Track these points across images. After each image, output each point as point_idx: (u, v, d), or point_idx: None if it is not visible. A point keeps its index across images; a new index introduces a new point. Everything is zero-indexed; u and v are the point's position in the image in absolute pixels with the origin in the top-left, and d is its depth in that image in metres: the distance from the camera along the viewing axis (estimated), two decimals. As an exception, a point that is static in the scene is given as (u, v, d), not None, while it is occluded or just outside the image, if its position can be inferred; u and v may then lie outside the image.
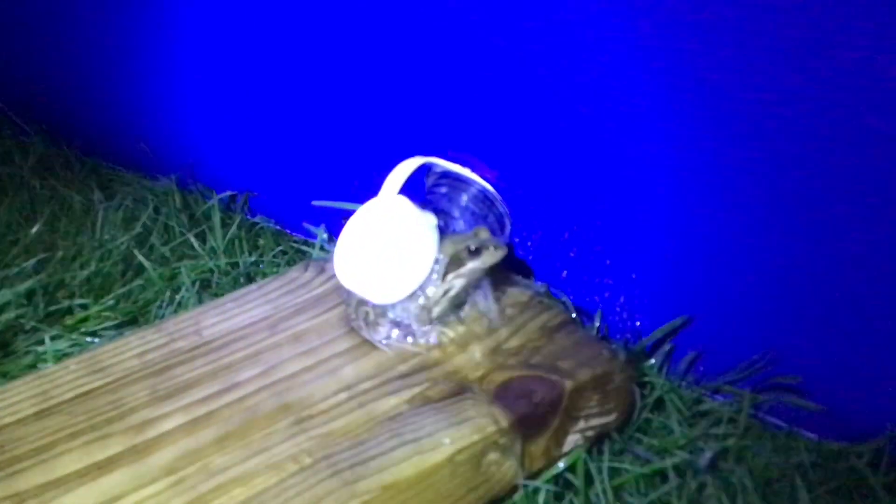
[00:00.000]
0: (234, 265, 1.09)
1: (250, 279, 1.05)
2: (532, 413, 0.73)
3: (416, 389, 0.75)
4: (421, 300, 0.79)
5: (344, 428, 0.72)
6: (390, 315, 0.80)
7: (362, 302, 0.81)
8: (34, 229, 1.14)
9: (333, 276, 0.83)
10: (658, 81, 0.76)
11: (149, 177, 1.27)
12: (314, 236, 1.08)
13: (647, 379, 0.85)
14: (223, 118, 1.14)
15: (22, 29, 1.28)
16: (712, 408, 0.84)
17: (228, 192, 1.17)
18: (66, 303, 1.01)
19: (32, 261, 1.06)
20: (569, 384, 0.75)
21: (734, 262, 0.80)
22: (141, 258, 1.07)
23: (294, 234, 1.15)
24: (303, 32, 0.97)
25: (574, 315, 0.87)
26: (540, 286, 0.89)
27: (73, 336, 0.96)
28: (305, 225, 1.11)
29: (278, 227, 1.16)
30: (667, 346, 0.85)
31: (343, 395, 0.75)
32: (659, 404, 0.84)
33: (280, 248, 1.13)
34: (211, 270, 1.08)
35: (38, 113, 1.37)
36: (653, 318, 0.87)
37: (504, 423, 0.72)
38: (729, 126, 0.73)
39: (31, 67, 1.32)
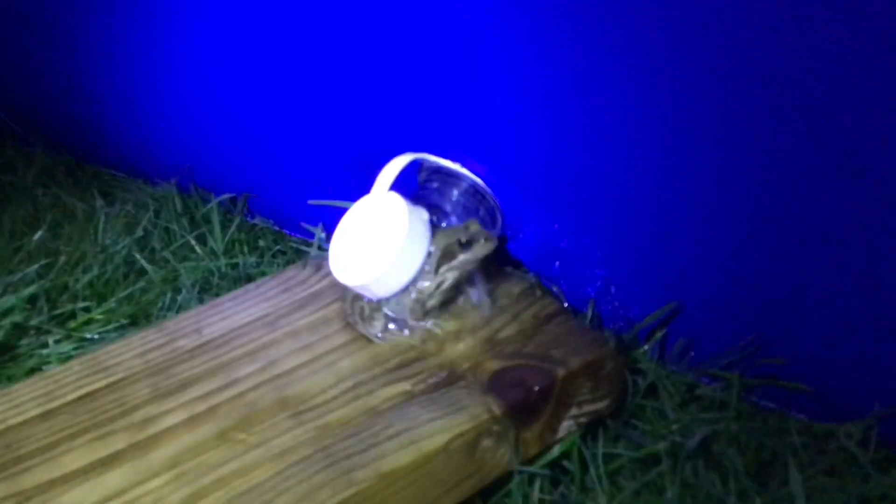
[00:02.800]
0: (234, 266, 1.10)
1: (250, 279, 1.05)
2: (525, 400, 0.74)
3: (412, 380, 0.76)
4: (414, 294, 0.80)
5: (341, 419, 0.73)
6: (385, 309, 0.81)
7: (357, 297, 0.82)
8: (37, 236, 1.15)
9: (330, 273, 0.82)
10: (640, 69, 0.76)
11: (149, 182, 1.27)
12: (312, 236, 1.09)
13: (640, 366, 0.85)
14: (220, 122, 1.14)
15: (22, 38, 1.29)
16: (704, 392, 0.84)
17: (227, 195, 1.17)
18: (69, 306, 1.02)
19: (35, 266, 1.07)
20: (561, 372, 0.75)
21: (722, 248, 0.80)
22: (142, 261, 1.09)
23: (293, 234, 1.16)
24: (295, 34, 0.98)
25: (566, 305, 0.87)
26: (532, 277, 0.90)
27: (77, 338, 0.98)
28: (303, 225, 1.11)
29: (277, 228, 1.17)
30: (659, 334, 0.85)
31: (340, 388, 0.76)
32: (652, 390, 0.84)
33: (279, 248, 1.14)
34: (211, 272, 1.08)
35: (39, 122, 1.37)
36: (644, 305, 0.87)
37: (498, 410, 0.72)
38: (713, 111, 0.74)
39: (32, 77, 1.33)
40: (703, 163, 0.77)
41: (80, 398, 0.77)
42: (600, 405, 0.79)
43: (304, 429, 0.72)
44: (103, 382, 0.79)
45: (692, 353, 0.86)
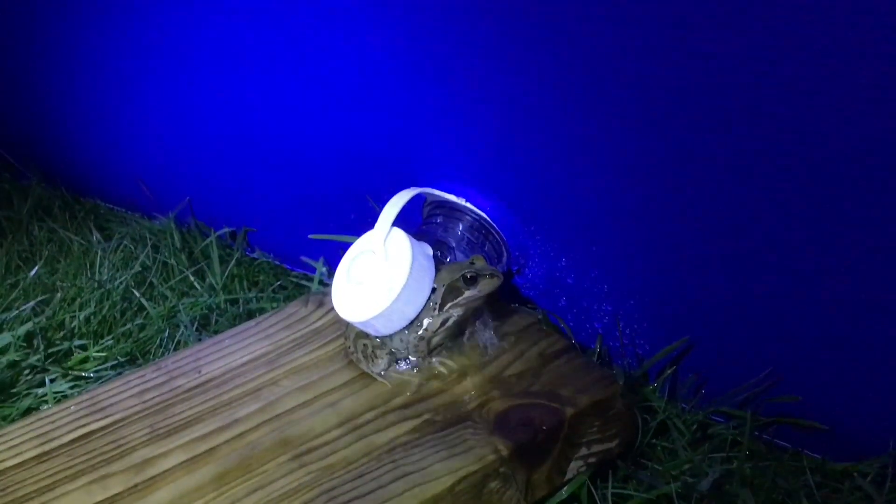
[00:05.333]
0: (234, 302, 1.09)
1: (250, 315, 1.05)
2: (533, 441, 0.73)
3: (416, 420, 0.75)
4: (419, 331, 0.79)
5: (343, 461, 0.71)
6: (389, 347, 0.80)
7: (361, 334, 0.81)
8: (33, 272, 1.14)
9: (332, 309, 0.82)
10: (653, 97, 0.75)
11: (147, 216, 1.27)
12: (314, 270, 1.08)
13: (649, 403, 0.84)
14: (220, 155, 1.13)
15: (17, 71, 1.29)
16: (717, 431, 0.83)
17: (227, 229, 1.17)
18: (65, 344, 1.01)
19: (32, 303, 1.06)
20: (569, 411, 0.74)
21: (733, 284, 0.79)
22: (140, 297, 1.08)
23: (293, 269, 1.15)
24: (295, 66, 0.97)
25: (573, 341, 0.86)
26: (538, 313, 0.88)
27: (73, 377, 0.97)
28: (304, 259, 1.10)
29: (277, 263, 1.16)
30: (669, 370, 0.85)
31: (342, 429, 0.75)
32: (663, 429, 0.84)
33: (280, 283, 1.13)
34: (210, 308, 1.07)
35: (35, 156, 1.37)
36: (653, 341, 0.86)
37: (505, 451, 0.71)
38: (728, 139, 0.72)
39: (27, 109, 1.32)
40: (714, 198, 0.76)
41: (76, 439, 0.76)
42: (610, 445, 0.78)
43: (306, 471, 0.71)
44: (100, 423, 0.78)
45: (703, 391, 0.85)
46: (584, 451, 0.76)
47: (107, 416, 0.78)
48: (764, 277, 0.76)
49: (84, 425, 0.78)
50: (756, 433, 0.82)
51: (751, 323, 0.80)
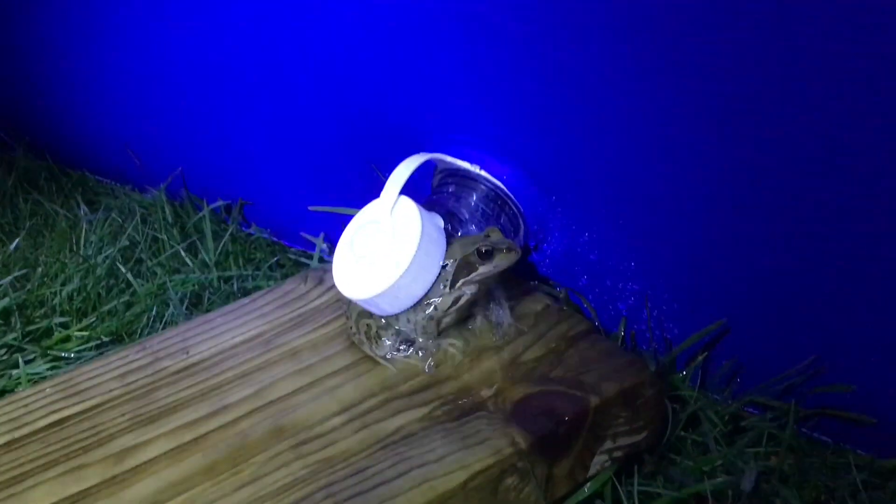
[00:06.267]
0: (228, 279, 1.05)
1: (245, 294, 1.00)
2: (553, 432, 0.68)
3: (424, 409, 0.71)
4: (428, 310, 0.75)
5: (344, 453, 0.67)
6: (394, 327, 0.76)
7: (363, 314, 0.77)
8: (13, 244, 1.10)
9: (333, 286, 0.78)
10: (689, 73, 0.69)
11: (137, 188, 1.25)
12: (313, 246, 1.04)
13: (679, 392, 0.80)
14: (213, 122, 1.10)
15: (4, 43, 1.26)
16: (752, 423, 0.79)
17: (221, 202, 1.14)
18: (45, 322, 0.97)
19: (9, 278, 1.02)
20: (594, 400, 0.70)
21: (776, 262, 0.73)
22: (126, 273, 1.03)
23: (292, 245, 1.12)
24: (290, 22, 0.93)
25: (596, 323, 0.83)
26: (558, 292, 0.85)
27: (52, 357, 0.92)
28: (303, 235, 1.07)
29: (275, 239, 1.13)
30: (701, 357, 0.80)
31: (343, 417, 0.70)
32: (693, 420, 0.79)
33: (277, 259, 1.09)
34: (202, 285, 1.04)
35: (20, 125, 1.35)
36: (684, 324, 0.81)
37: (523, 444, 0.67)
38: (776, 116, 0.67)
39: (12, 78, 1.30)
40: (759, 166, 0.70)
41: (51, 425, 0.73)
42: (637, 438, 0.73)
43: (303, 463, 0.66)
44: (78, 408, 0.74)
45: (738, 379, 0.80)
46: (609, 444, 0.71)
47: (85, 400, 0.75)
48: (811, 256, 0.71)
49: (60, 409, 0.74)
50: (794, 426, 0.76)
51: (794, 306, 0.75)
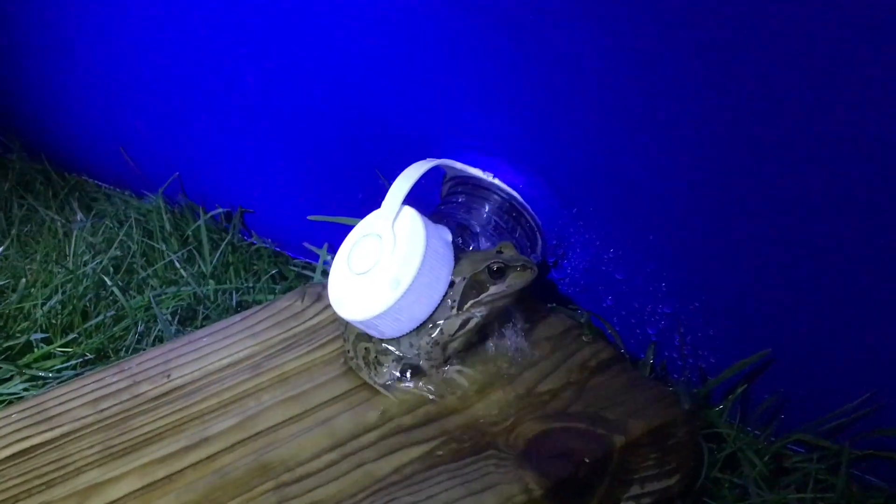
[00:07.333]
0: (225, 292, 1.01)
1: (244, 308, 0.97)
2: (572, 476, 0.64)
3: (426, 446, 0.66)
4: (433, 334, 0.71)
5: (335, 496, 0.62)
6: (395, 353, 0.73)
7: (362, 336, 0.74)
8: None
9: (330, 304, 0.74)
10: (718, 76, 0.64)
11: (136, 194, 1.21)
12: (316, 257, 1.00)
13: (714, 430, 0.75)
14: (213, 125, 1.06)
15: None
16: (796, 465, 0.74)
17: (220, 209, 1.10)
18: (24, 337, 0.92)
19: None
20: (619, 440, 0.65)
21: (830, 287, 0.68)
22: (112, 285, 0.98)
23: (295, 256, 1.08)
24: (294, 23, 0.90)
25: (622, 350, 0.79)
26: (580, 315, 0.81)
27: (28, 377, 0.88)
28: (306, 245, 1.03)
29: (277, 248, 1.09)
30: (740, 389, 0.76)
31: (335, 454, 0.66)
32: (731, 461, 0.74)
33: (278, 271, 1.05)
34: (197, 298, 0.99)
35: (17, 127, 1.33)
36: (722, 353, 0.76)
37: (537, 490, 0.62)
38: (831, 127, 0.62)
39: (8, 78, 1.28)
40: (811, 175, 0.64)
41: (13, 455, 0.69)
42: (669, 482, 0.69)
43: None
44: (44, 436, 0.70)
45: (782, 416, 0.75)
46: (636, 489, 0.67)
47: (53, 428, 0.71)
48: (869, 282, 0.66)
49: (25, 438, 0.70)
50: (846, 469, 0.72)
51: (848, 337, 0.69)
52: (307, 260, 1.06)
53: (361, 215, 0.76)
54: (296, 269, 1.05)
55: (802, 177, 0.65)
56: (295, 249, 1.07)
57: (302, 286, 0.85)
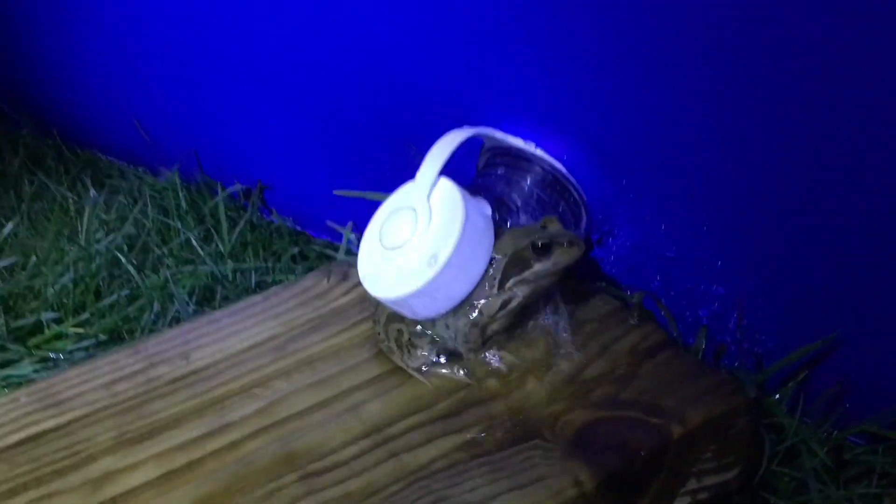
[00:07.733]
0: (244, 272, 0.99)
1: (264, 288, 0.93)
2: (626, 470, 0.62)
3: (465, 435, 0.65)
4: (471, 315, 0.70)
5: (366, 488, 0.61)
6: (430, 335, 0.71)
7: (394, 317, 0.72)
8: (7, 229, 1.05)
9: (358, 283, 0.73)
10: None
11: (151, 170, 1.20)
12: (340, 237, 0.98)
13: (773, 420, 0.74)
14: (230, 97, 1.05)
15: (5, 8, 1.23)
16: (860, 457, 0.73)
17: (239, 186, 1.08)
18: (34, 317, 0.91)
19: None
20: (676, 430, 0.64)
21: None
22: (127, 264, 0.97)
23: (317, 235, 1.07)
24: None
25: (674, 333, 0.77)
26: (629, 296, 0.80)
27: (39, 358, 0.87)
28: (329, 223, 1.01)
29: (298, 227, 1.08)
30: (801, 376, 0.74)
31: (366, 443, 0.65)
32: (791, 454, 0.73)
33: (299, 250, 1.04)
34: (215, 278, 0.97)
35: (27, 102, 1.32)
36: (780, 338, 0.75)
37: (588, 483, 0.61)
38: None
39: (18, 51, 1.27)
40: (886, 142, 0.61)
41: (21, 442, 0.67)
42: (728, 475, 0.67)
43: (315, 500, 0.61)
44: (55, 421, 0.69)
45: (846, 405, 0.73)
46: (693, 483, 0.66)
47: (64, 413, 0.69)
48: None
49: (34, 423, 0.69)
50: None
51: None
52: (329, 239, 1.05)
53: (389, 189, 0.74)
54: (317, 248, 1.04)
55: (881, 148, 0.62)
56: (317, 228, 1.06)
57: (328, 265, 0.84)
